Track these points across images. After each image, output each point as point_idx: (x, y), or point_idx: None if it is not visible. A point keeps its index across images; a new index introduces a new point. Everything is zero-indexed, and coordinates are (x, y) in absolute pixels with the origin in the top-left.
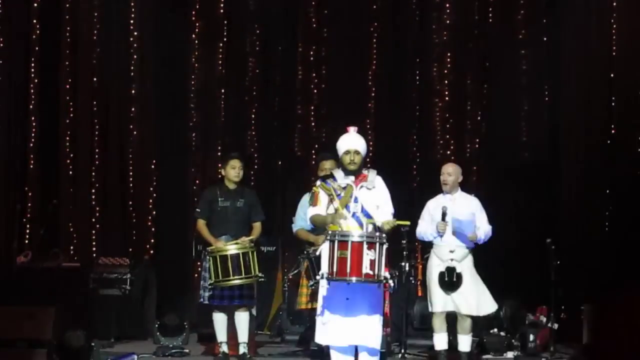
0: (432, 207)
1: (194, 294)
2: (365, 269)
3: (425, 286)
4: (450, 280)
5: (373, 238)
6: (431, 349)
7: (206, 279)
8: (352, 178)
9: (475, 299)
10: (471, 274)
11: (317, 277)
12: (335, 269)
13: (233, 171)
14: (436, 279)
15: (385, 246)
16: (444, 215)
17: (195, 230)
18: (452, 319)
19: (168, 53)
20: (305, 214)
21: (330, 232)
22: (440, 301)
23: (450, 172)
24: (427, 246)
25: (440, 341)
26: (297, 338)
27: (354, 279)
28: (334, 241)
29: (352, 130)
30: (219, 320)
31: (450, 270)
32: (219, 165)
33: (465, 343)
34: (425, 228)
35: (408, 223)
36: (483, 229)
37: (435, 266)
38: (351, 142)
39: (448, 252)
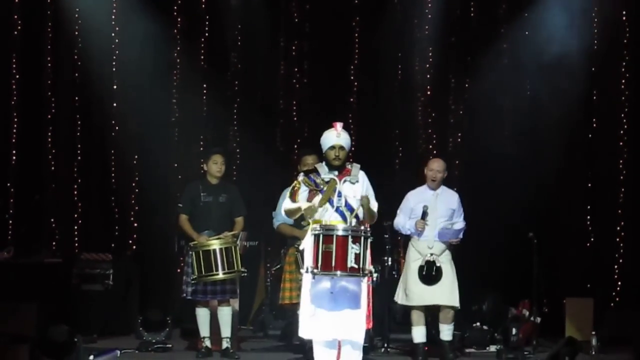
0: (414, 202)
1: (176, 289)
2: (350, 262)
3: None
4: (430, 274)
5: (358, 232)
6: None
7: (189, 274)
8: (336, 173)
9: (452, 289)
10: (450, 265)
11: (302, 271)
12: (320, 263)
13: (215, 166)
14: (415, 273)
15: (370, 240)
16: (424, 214)
17: (178, 225)
18: (433, 312)
19: (150, 48)
20: None
21: (314, 226)
22: (416, 295)
23: (440, 169)
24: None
25: (418, 334)
26: (279, 333)
27: (338, 272)
28: (318, 235)
29: (338, 125)
30: (202, 315)
31: (430, 264)
32: (201, 160)
33: (447, 332)
34: (403, 221)
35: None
36: (458, 226)
37: (414, 260)
38: (336, 137)
39: (427, 247)
